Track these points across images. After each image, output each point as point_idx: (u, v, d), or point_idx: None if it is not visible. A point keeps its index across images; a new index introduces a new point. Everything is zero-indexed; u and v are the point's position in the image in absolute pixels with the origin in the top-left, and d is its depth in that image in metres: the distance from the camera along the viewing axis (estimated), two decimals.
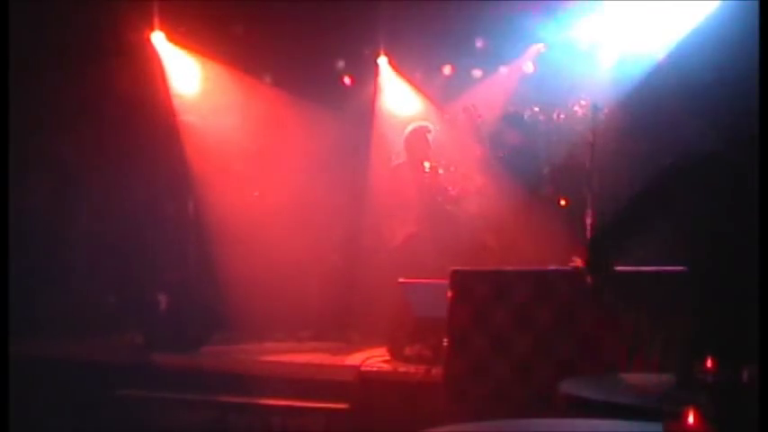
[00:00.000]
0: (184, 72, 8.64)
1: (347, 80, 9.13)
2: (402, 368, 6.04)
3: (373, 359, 6.30)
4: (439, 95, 9.04)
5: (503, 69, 8.95)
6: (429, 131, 7.79)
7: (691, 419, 2.14)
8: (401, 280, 6.75)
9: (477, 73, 8.98)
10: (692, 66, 7.75)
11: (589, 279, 4.16)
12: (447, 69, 9.03)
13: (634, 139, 8.17)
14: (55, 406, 6.42)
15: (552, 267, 5.37)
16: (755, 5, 5.47)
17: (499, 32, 8.46)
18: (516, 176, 8.43)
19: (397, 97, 9.02)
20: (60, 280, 8.18)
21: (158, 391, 6.35)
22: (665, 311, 4.84)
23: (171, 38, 8.50)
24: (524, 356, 4.87)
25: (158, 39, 8.45)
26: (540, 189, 8.44)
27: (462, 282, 5.00)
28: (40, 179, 8.43)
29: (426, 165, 7.60)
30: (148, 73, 8.42)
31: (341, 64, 9.11)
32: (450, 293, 4.99)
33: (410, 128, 7.85)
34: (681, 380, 2.71)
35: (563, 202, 8.21)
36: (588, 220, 6.64)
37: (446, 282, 5.09)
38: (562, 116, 8.55)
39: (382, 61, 8.93)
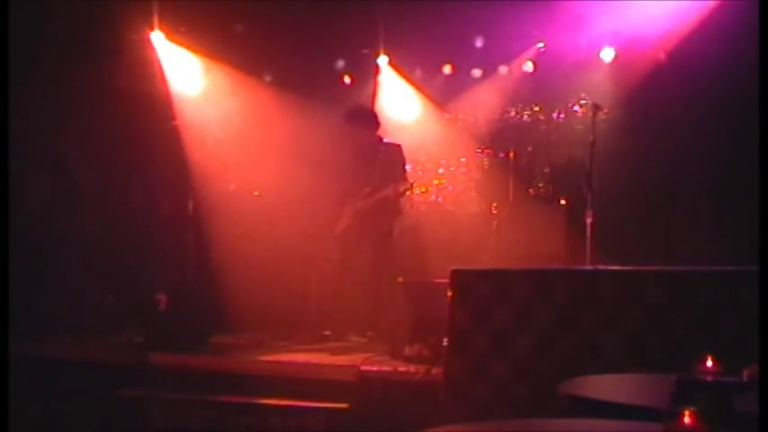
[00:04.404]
0: (184, 72, 8.64)
1: (347, 79, 9.14)
2: (402, 368, 6.03)
3: (373, 359, 6.29)
4: (439, 96, 9.05)
5: (503, 69, 8.96)
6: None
7: (690, 419, 2.13)
8: (401, 280, 6.75)
9: (477, 73, 8.99)
10: (692, 66, 7.76)
11: None
12: (447, 69, 9.04)
13: (634, 139, 8.18)
14: (55, 406, 6.42)
15: (552, 267, 5.37)
16: (755, 5, 5.47)
17: (499, 32, 8.46)
18: (516, 176, 8.45)
19: (397, 97, 9.03)
20: (60, 280, 8.18)
21: (158, 391, 6.34)
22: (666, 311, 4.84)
23: (171, 37, 8.50)
24: (524, 356, 4.87)
25: (158, 38, 8.45)
26: (540, 189, 8.45)
27: (462, 282, 5.00)
28: (40, 179, 8.43)
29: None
30: (148, 72, 8.42)
31: (341, 63, 9.12)
32: (450, 293, 4.98)
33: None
34: (681, 380, 2.70)
35: (563, 202, 8.22)
36: (588, 220, 6.64)
37: (446, 282, 5.09)
38: (562, 116, 8.56)
39: (382, 61, 8.93)
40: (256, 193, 8.37)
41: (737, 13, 7.10)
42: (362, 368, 6.13)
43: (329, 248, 7.61)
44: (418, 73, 9.10)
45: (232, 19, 8.54)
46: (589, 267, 6.19)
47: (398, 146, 7.51)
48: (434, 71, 9.06)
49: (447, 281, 5.06)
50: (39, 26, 7.83)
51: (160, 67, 8.52)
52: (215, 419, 6.15)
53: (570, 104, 8.48)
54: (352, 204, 7.42)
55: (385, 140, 7.53)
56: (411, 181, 7.42)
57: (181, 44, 8.57)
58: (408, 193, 7.43)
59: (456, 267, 5.08)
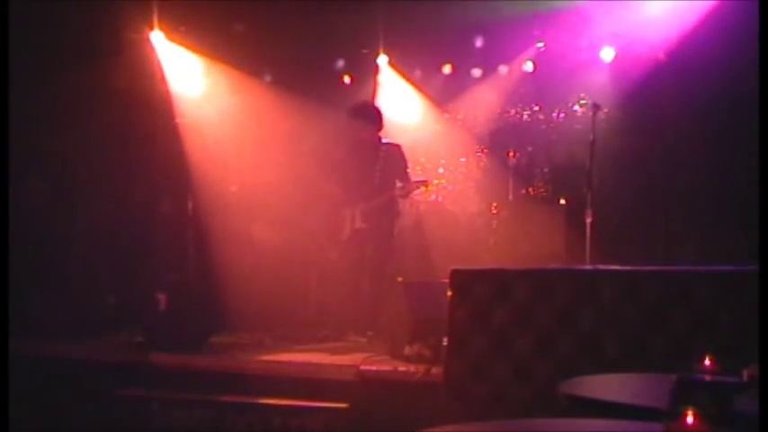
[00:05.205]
0: (184, 71, 8.64)
1: (347, 79, 9.14)
2: (402, 368, 6.03)
3: (373, 359, 6.29)
4: (439, 95, 9.05)
5: (503, 69, 8.96)
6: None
7: (691, 419, 2.13)
8: (401, 280, 6.75)
9: (477, 73, 9.00)
10: (692, 66, 7.76)
11: None
12: (447, 69, 9.04)
13: (634, 139, 8.19)
14: (55, 406, 6.42)
15: (552, 267, 5.36)
16: (755, 5, 5.48)
17: (499, 32, 8.47)
18: (516, 176, 8.45)
19: (397, 97, 9.03)
20: (60, 280, 8.18)
21: (158, 391, 6.34)
22: (666, 311, 4.84)
23: (171, 37, 8.50)
24: (524, 356, 4.86)
25: (158, 38, 8.45)
26: (539, 188, 8.45)
27: (462, 282, 4.99)
28: (40, 179, 8.43)
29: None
30: (148, 72, 8.42)
31: (341, 63, 9.12)
32: (450, 293, 4.98)
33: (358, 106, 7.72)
34: (681, 380, 2.70)
35: (563, 202, 8.22)
36: (588, 220, 6.65)
37: (446, 281, 5.09)
38: (562, 116, 8.57)
39: (382, 61, 8.93)
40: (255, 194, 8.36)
41: (737, 13, 7.10)
42: (362, 368, 6.13)
43: (329, 248, 7.61)
44: (418, 73, 9.11)
45: (232, 19, 8.54)
46: (589, 267, 6.19)
47: (398, 146, 7.54)
48: (434, 71, 9.06)
49: (447, 281, 5.05)
50: (39, 26, 7.83)
51: (160, 67, 8.52)
52: (215, 419, 6.15)
53: (570, 104, 8.49)
54: (355, 205, 7.42)
55: (384, 141, 7.54)
56: (424, 179, 7.54)
57: (181, 44, 8.57)
58: (423, 189, 7.53)
59: (456, 267, 5.07)
